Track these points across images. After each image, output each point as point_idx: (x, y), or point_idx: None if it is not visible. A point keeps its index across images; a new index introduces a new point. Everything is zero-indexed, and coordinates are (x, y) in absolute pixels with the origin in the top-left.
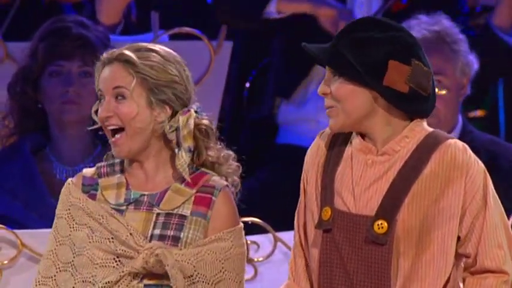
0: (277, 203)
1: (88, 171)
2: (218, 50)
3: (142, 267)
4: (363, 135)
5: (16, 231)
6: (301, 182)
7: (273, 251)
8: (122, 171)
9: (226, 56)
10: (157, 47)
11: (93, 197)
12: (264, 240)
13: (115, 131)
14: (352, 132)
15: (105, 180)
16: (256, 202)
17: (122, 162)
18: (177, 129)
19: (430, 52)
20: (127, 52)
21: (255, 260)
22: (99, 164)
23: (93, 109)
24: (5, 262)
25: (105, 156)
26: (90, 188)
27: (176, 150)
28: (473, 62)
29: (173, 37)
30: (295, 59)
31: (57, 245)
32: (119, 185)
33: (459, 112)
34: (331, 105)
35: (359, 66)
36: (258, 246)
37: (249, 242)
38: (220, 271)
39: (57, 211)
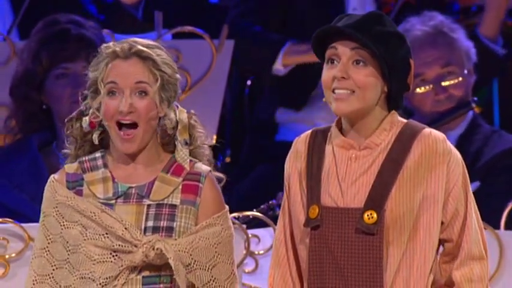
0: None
1: (71, 167)
2: (220, 48)
3: (142, 260)
4: (342, 132)
5: (23, 224)
6: (284, 189)
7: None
8: (105, 165)
9: (228, 54)
10: (157, 43)
11: (79, 193)
12: (265, 234)
13: (128, 126)
14: (328, 132)
15: (90, 175)
16: (257, 196)
17: (103, 156)
18: (176, 124)
19: (435, 45)
20: (145, 48)
21: (256, 253)
22: (81, 159)
23: (95, 103)
24: (13, 255)
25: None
26: (75, 184)
27: (177, 143)
28: (472, 47)
29: (176, 36)
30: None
31: (48, 243)
32: (104, 179)
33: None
34: (349, 89)
35: (389, 61)
36: (259, 239)
37: (250, 235)
38: (214, 256)
39: (43, 209)
